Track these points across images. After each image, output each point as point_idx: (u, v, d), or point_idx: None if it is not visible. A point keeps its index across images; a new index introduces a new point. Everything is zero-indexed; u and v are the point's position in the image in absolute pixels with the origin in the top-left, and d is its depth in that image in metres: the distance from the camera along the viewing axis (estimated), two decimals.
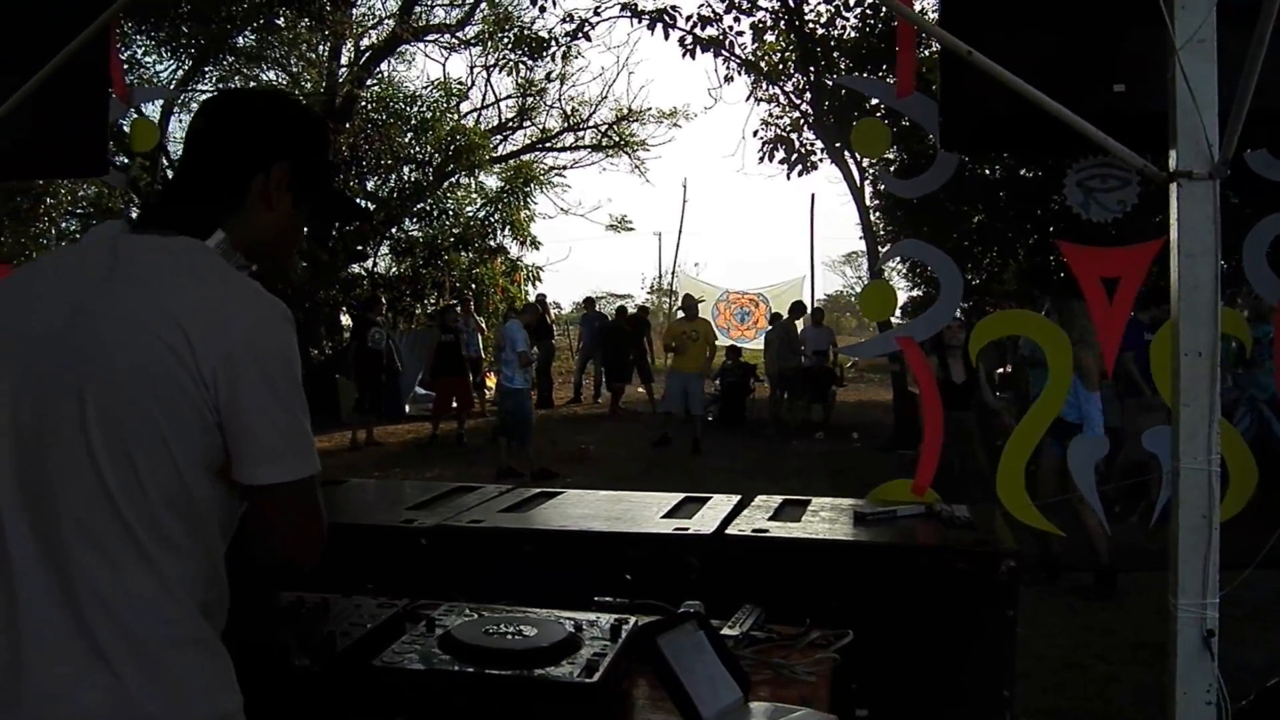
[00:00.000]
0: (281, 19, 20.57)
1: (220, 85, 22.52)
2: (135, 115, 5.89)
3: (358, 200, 20.47)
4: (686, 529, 3.47)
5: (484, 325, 20.53)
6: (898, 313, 10.28)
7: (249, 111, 2.11)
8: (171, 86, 20.63)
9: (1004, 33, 3.52)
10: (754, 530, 3.47)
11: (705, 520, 3.60)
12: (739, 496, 4.00)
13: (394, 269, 24.61)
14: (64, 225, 19.68)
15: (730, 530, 3.48)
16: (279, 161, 2.04)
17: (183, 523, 1.83)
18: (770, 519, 3.66)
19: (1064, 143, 3.55)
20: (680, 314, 17.39)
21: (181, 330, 1.79)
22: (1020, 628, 3.35)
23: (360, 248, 23.35)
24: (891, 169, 13.89)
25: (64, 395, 1.81)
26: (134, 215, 18.57)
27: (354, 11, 22.40)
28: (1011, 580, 3.25)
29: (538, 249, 26.62)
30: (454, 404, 16.95)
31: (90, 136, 4.60)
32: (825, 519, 3.70)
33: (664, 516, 3.70)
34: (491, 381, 19.72)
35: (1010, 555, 3.28)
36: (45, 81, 3.92)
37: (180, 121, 23.30)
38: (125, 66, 14.07)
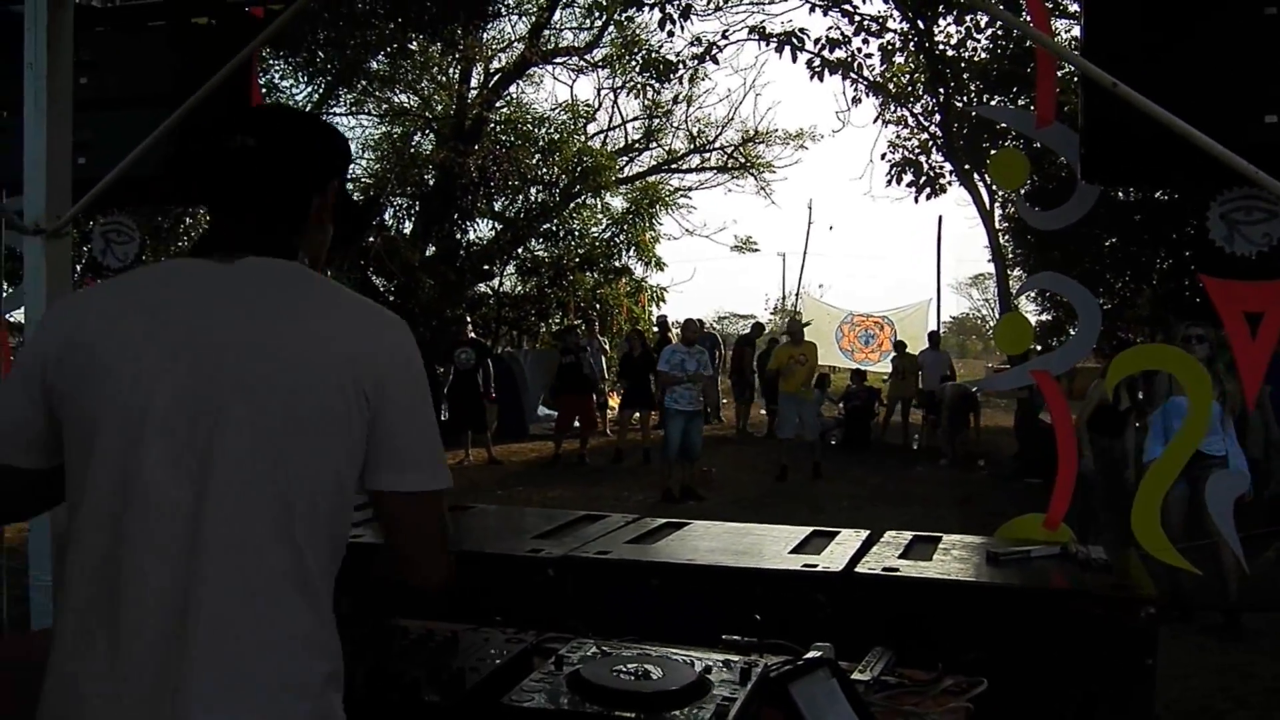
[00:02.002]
0: (414, 44, 20.96)
1: (354, 108, 23.04)
2: None
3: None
4: (815, 566, 3.43)
5: (607, 346, 20.60)
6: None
7: (306, 131, 2.09)
8: (307, 109, 21.13)
9: (1149, 61, 3.42)
10: (884, 569, 3.42)
11: (834, 557, 3.55)
12: (867, 532, 3.94)
13: (519, 288, 24.86)
14: None
15: (860, 568, 3.43)
16: (332, 180, 2.06)
17: (333, 560, 1.87)
18: (900, 557, 3.60)
19: (1210, 174, 3.45)
20: (785, 338, 17.08)
21: (342, 356, 1.83)
22: None
23: (487, 267, 23.65)
24: (1022, 190, 13.64)
25: (228, 428, 1.77)
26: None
27: (484, 35, 22.73)
28: (1150, 627, 3.15)
29: (662, 270, 26.70)
30: (576, 423, 17.02)
31: None
32: (957, 558, 3.62)
33: (792, 552, 3.66)
34: (614, 401, 19.79)
35: (1149, 602, 3.17)
36: (189, 110, 4.03)
37: None
38: (263, 91, 14.41)
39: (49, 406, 1.89)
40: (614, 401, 19.92)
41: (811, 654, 2.34)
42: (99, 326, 1.86)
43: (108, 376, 1.81)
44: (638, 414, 16.81)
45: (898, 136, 20.83)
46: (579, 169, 23.93)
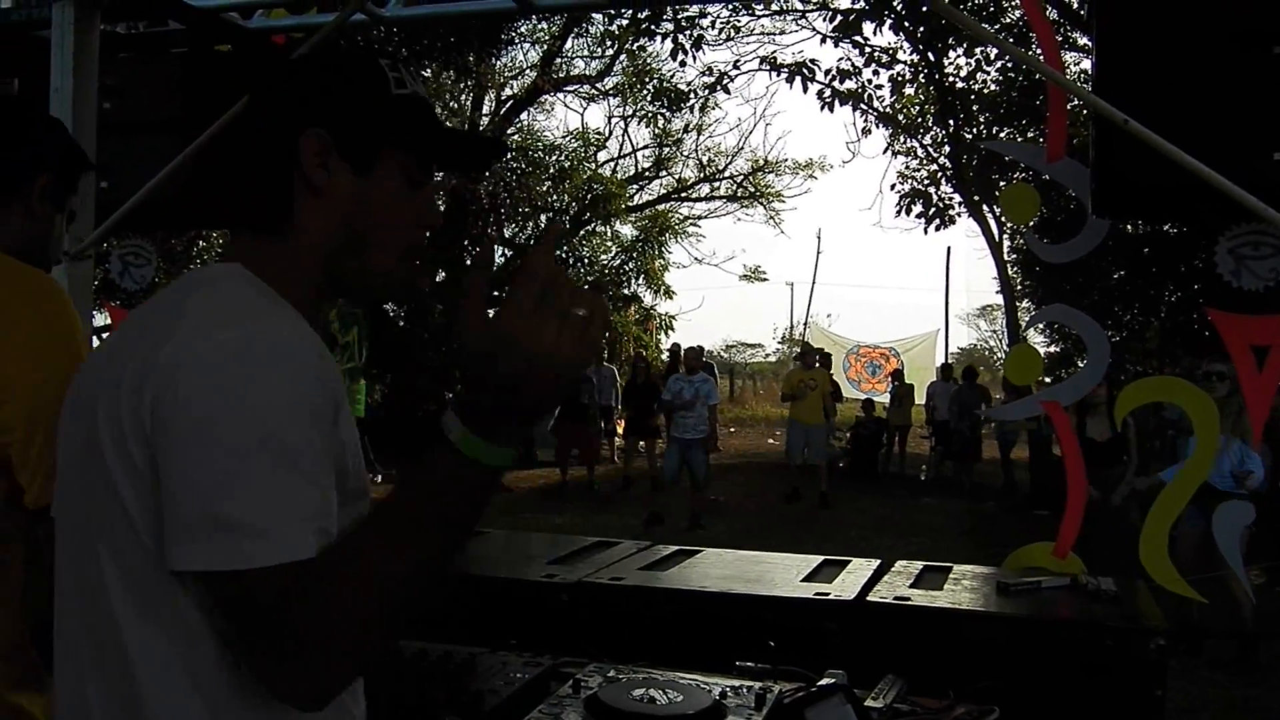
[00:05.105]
0: (428, 70, 21.09)
1: None
2: None
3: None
4: (828, 594, 3.46)
5: (617, 373, 20.65)
6: None
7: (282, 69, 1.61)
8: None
9: (1160, 98, 3.47)
10: (896, 598, 3.44)
11: (846, 585, 3.57)
12: (878, 561, 3.97)
13: None
14: None
15: (872, 597, 3.46)
16: (310, 128, 1.51)
17: None
18: (912, 586, 3.63)
19: (1219, 210, 3.49)
20: (796, 363, 17.25)
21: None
22: None
23: (496, 293, 23.72)
24: (1031, 223, 13.65)
25: None
26: None
27: (497, 63, 22.88)
28: (1160, 659, 3.17)
29: (671, 298, 26.81)
30: (574, 452, 17.04)
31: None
32: (967, 588, 3.65)
33: (803, 580, 3.69)
34: (621, 428, 19.81)
35: (1159, 633, 3.20)
36: (210, 136, 4.09)
37: None
38: None
39: None
40: (622, 428, 19.94)
41: (826, 680, 2.37)
42: None
43: None
44: (642, 442, 16.89)
45: (907, 167, 20.95)
46: (589, 196, 24.06)
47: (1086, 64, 14.49)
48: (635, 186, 27.64)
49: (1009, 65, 16.73)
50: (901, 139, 20.80)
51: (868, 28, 16.38)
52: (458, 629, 2.82)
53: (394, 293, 1.50)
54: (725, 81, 19.27)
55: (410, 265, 1.63)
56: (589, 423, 17.34)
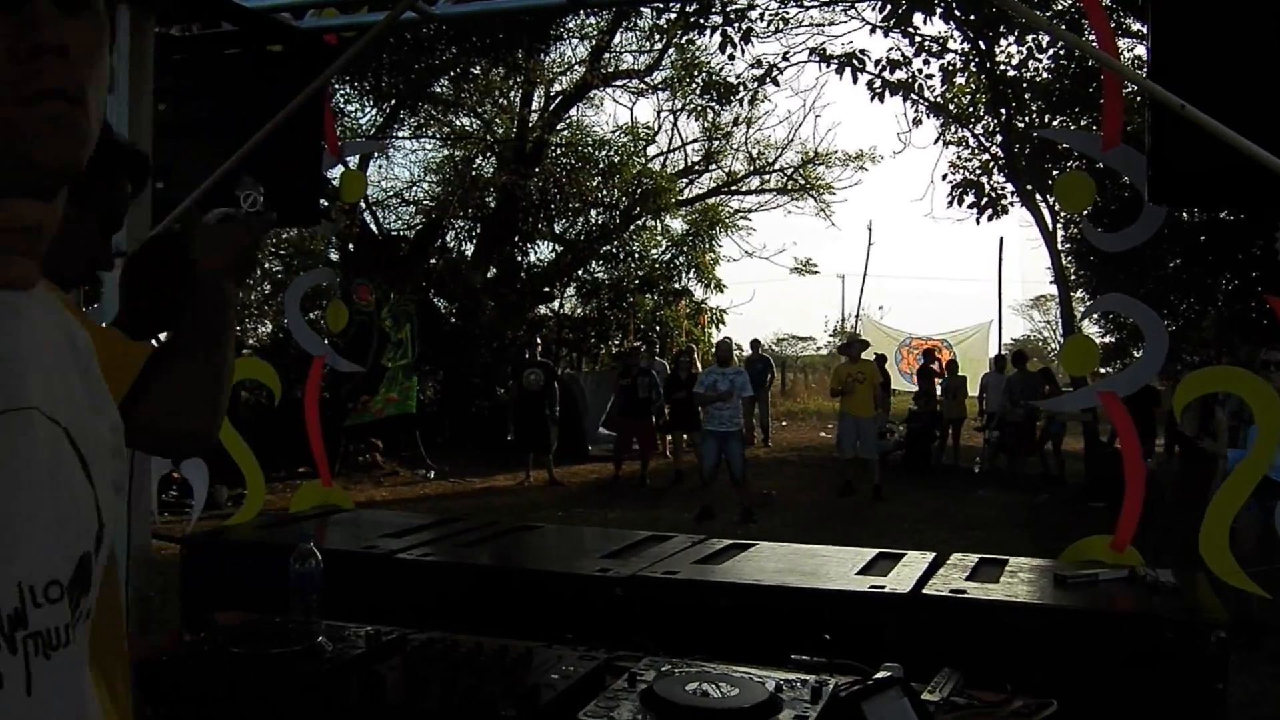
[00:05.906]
0: (477, 67, 21.14)
1: (417, 132, 23.28)
2: (344, 168, 6.10)
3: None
4: (883, 587, 3.44)
5: (667, 367, 20.62)
6: None
7: None
8: (371, 132, 21.35)
9: (1216, 82, 3.42)
10: (951, 591, 3.42)
11: (901, 579, 3.56)
12: (934, 554, 3.96)
13: (579, 310, 24.95)
14: (267, 265, 20.52)
15: (927, 590, 3.44)
16: None
17: None
18: (968, 579, 3.60)
19: (1278, 195, 3.44)
20: (843, 357, 17.10)
21: None
22: None
23: (547, 289, 23.78)
24: (1086, 211, 13.49)
25: None
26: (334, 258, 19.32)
27: (546, 59, 22.90)
28: (1222, 652, 3.13)
29: (722, 291, 26.71)
30: (635, 446, 17.04)
31: (305, 187, 4.81)
32: (1024, 580, 3.62)
33: (858, 573, 3.68)
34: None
35: (1220, 626, 3.16)
36: (266, 135, 4.13)
37: (379, 168, 24.19)
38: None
39: None
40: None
41: (882, 674, 2.35)
42: None
43: None
44: (685, 435, 16.86)
45: (959, 157, 20.77)
46: (639, 191, 23.99)
47: (1140, 50, 14.36)
48: (685, 180, 27.53)
49: (1061, 52, 16.55)
50: (953, 129, 20.63)
51: (918, 17, 16.26)
52: (514, 623, 2.83)
53: (55, 148, 0.99)
54: (774, 74, 19.18)
55: (50, 108, 1.04)
56: (648, 415, 17.30)
